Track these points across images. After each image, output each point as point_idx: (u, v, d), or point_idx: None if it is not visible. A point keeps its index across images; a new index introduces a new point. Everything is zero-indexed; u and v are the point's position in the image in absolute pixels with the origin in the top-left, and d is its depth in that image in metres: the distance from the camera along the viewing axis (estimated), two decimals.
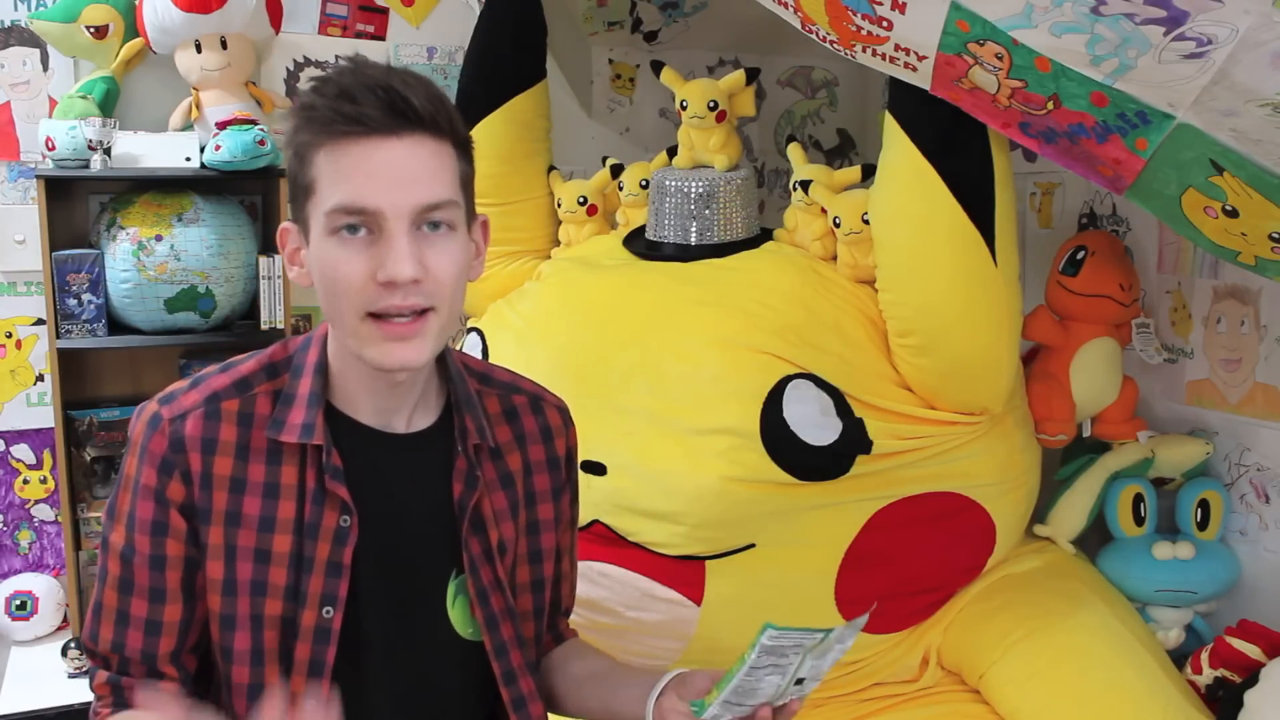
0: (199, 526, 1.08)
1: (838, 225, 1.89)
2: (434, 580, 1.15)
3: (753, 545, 1.82)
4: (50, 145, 2.47)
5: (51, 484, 2.68)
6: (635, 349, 1.89)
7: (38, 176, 2.47)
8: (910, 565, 1.90)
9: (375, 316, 1.03)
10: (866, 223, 1.82)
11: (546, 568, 1.23)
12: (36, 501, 2.69)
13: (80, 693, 2.35)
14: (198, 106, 2.62)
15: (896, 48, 1.50)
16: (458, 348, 2.21)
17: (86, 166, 2.47)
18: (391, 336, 1.03)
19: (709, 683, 1.10)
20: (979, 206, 1.69)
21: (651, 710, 1.12)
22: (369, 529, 1.11)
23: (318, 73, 2.76)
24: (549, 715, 1.26)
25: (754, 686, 1.06)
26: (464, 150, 1.09)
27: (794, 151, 2.07)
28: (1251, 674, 1.85)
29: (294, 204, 1.08)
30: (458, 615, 1.15)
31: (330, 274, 1.03)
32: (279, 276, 2.61)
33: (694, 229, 2.03)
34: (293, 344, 1.16)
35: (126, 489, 1.09)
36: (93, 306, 2.50)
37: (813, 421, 1.78)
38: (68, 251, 2.49)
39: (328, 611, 1.09)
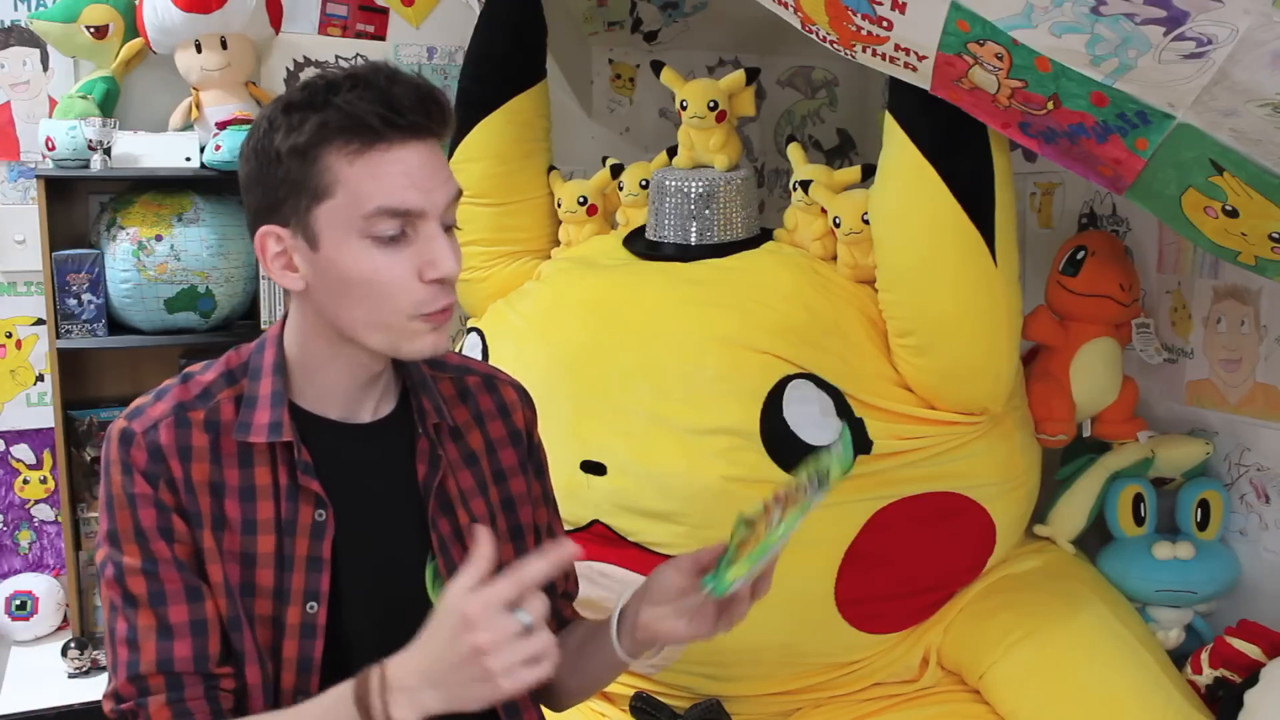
0: (194, 530, 1.09)
1: (838, 225, 1.89)
2: (413, 565, 1.15)
3: None
4: (50, 145, 2.46)
5: (51, 484, 2.68)
6: (635, 349, 1.89)
7: (38, 176, 2.47)
8: (910, 565, 1.90)
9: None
10: (866, 223, 1.82)
11: (529, 542, 1.25)
12: (36, 501, 2.69)
13: (81, 693, 2.35)
14: (198, 106, 2.62)
15: (896, 48, 1.50)
16: (457, 348, 2.21)
17: (86, 166, 2.47)
18: (436, 327, 1.09)
19: (691, 564, 1.17)
20: (979, 206, 1.69)
21: (616, 630, 1.18)
22: (345, 521, 1.12)
23: (314, 73, 2.76)
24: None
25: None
26: None
27: (794, 151, 2.07)
28: (1251, 674, 1.85)
29: (281, 207, 1.06)
30: (439, 597, 1.16)
31: (371, 278, 1.05)
32: None
33: (694, 229, 2.03)
34: (245, 349, 1.17)
35: (122, 507, 1.07)
36: (93, 306, 2.49)
37: (813, 421, 1.78)
38: (68, 251, 2.49)
39: (311, 607, 1.10)
